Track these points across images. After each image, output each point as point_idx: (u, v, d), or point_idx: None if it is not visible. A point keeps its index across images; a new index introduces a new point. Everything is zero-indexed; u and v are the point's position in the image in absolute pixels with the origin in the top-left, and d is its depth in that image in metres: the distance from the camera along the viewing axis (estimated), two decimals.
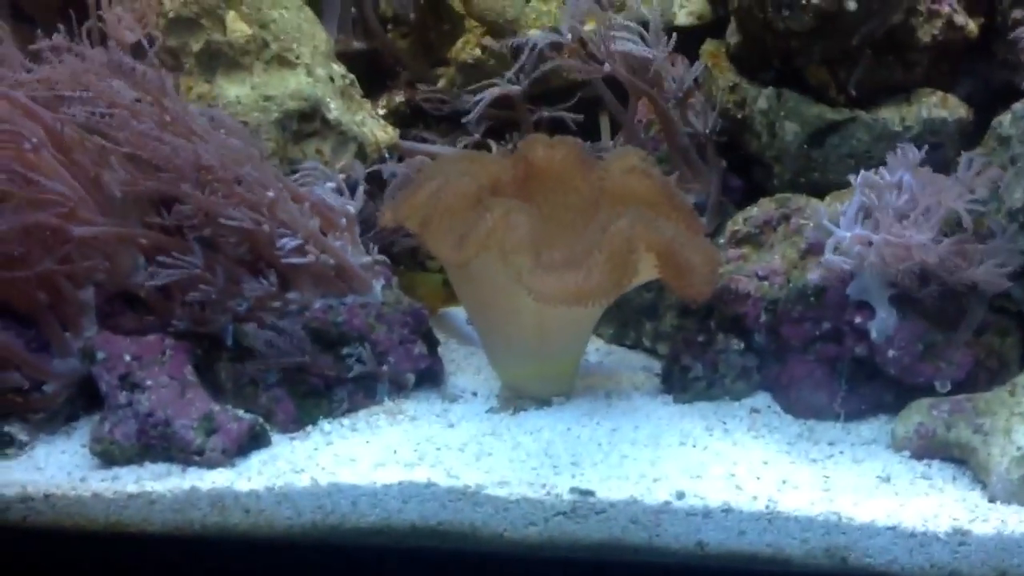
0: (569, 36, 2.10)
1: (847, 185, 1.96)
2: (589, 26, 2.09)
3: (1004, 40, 2.02)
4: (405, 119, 2.39)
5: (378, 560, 1.72)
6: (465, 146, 2.25)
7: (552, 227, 1.84)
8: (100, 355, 1.83)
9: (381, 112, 2.33)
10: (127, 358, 1.82)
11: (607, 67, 2.09)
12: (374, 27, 2.38)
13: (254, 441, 1.80)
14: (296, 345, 1.86)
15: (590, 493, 1.62)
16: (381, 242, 2.02)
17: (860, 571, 1.55)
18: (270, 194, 1.82)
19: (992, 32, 2.06)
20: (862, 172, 1.83)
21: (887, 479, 1.67)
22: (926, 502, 1.60)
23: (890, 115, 2.01)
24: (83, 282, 1.89)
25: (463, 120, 2.29)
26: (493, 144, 2.28)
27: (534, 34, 2.13)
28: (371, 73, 2.39)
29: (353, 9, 2.37)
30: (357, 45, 2.34)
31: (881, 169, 1.83)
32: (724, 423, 1.87)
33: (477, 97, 2.19)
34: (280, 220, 1.84)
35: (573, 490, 1.62)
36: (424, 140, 2.37)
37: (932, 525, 1.53)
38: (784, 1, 1.94)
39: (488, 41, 2.31)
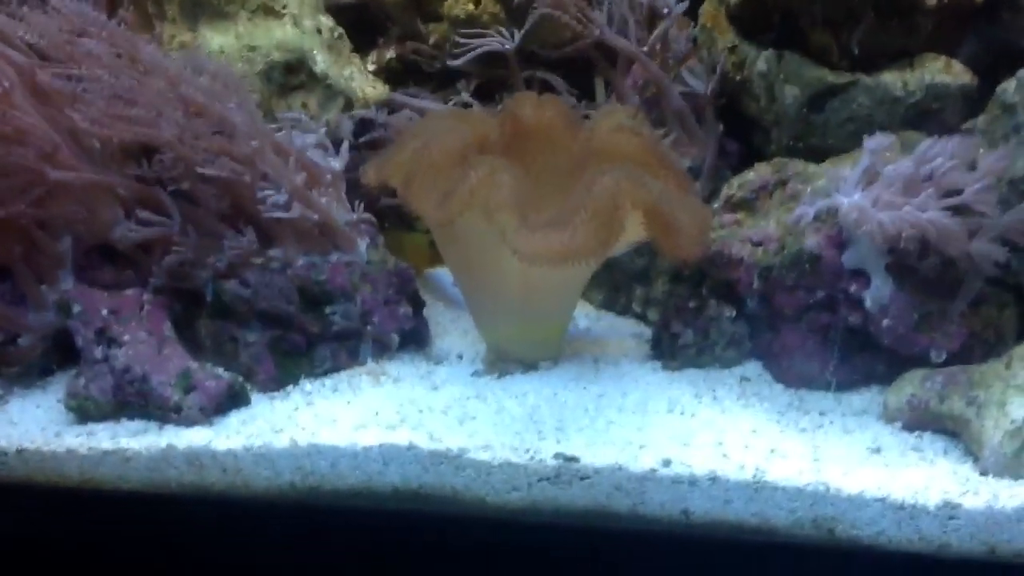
0: None
1: (846, 150, 1.94)
2: None
3: (1011, 3, 1.99)
4: (395, 76, 2.36)
5: (358, 522, 1.71)
6: (455, 104, 2.23)
7: (540, 187, 1.82)
8: (76, 308, 1.81)
9: (371, 68, 2.30)
10: (104, 312, 1.81)
11: (596, 31, 2.07)
12: None
13: (233, 400, 1.79)
14: (282, 294, 1.85)
15: (574, 459, 1.60)
16: (367, 199, 2.00)
17: (847, 543, 1.54)
18: (253, 143, 1.79)
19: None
20: (874, 136, 1.80)
21: (877, 450, 1.66)
22: (916, 474, 1.59)
23: (892, 79, 1.98)
24: (60, 233, 1.87)
25: (450, 62, 2.26)
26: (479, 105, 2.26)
27: None
28: (361, 28, 2.37)
29: None
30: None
31: (883, 136, 1.81)
32: (713, 391, 1.85)
33: (468, 48, 2.16)
34: (263, 172, 1.82)
35: (557, 455, 1.61)
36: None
37: (922, 498, 1.52)
38: None
39: None
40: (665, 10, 2.05)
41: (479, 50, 2.14)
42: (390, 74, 2.34)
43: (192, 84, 1.75)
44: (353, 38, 2.25)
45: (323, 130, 1.92)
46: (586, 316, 2.19)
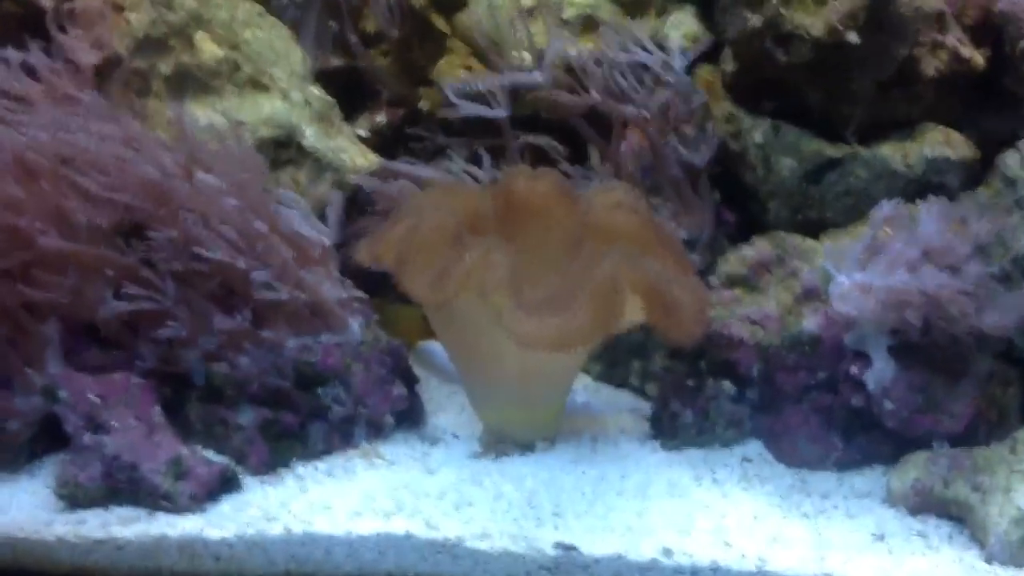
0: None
1: (844, 223, 1.99)
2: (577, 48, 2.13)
3: (1012, 71, 2.03)
4: (387, 140, 2.39)
5: None
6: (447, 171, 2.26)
7: (534, 263, 1.85)
8: (64, 394, 1.83)
9: (361, 133, 2.33)
10: (92, 398, 1.83)
11: (593, 97, 2.11)
12: (353, 45, 2.39)
13: (225, 486, 1.81)
14: (273, 377, 1.88)
15: (574, 548, 1.64)
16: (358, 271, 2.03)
17: None
18: (258, 225, 1.83)
19: (999, 62, 2.06)
20: (880, 206, 1.85)
21: (881, 537, 1.70)
22: (921, 562, 1.63)
23: (891, 152, 2.03)
24: (46, 316, 1.89)
25: (441, 140, 2.31)
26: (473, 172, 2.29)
27: (522, 56, 2.15)
28: (351, 91, 2.40)
29: (332, 23, 2.36)
30: (336, 62, 2.33)
31: (892, 205, 1.85)
32: (714, 472, 1.89)
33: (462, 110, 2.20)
34: (255, 253, 1.85)
35: (556, 544, 1.64)
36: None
37: None
38: (782, 33, 1.96)
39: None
40: (668, 79, 2.09)
41: (471, 112, 2.17)
42: (381, 139, 2.37)
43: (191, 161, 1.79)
44: (343, 102, 2.29)
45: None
46: (583, 388, 2.22)
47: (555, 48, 2.13)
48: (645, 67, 2.13)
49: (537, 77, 2.19)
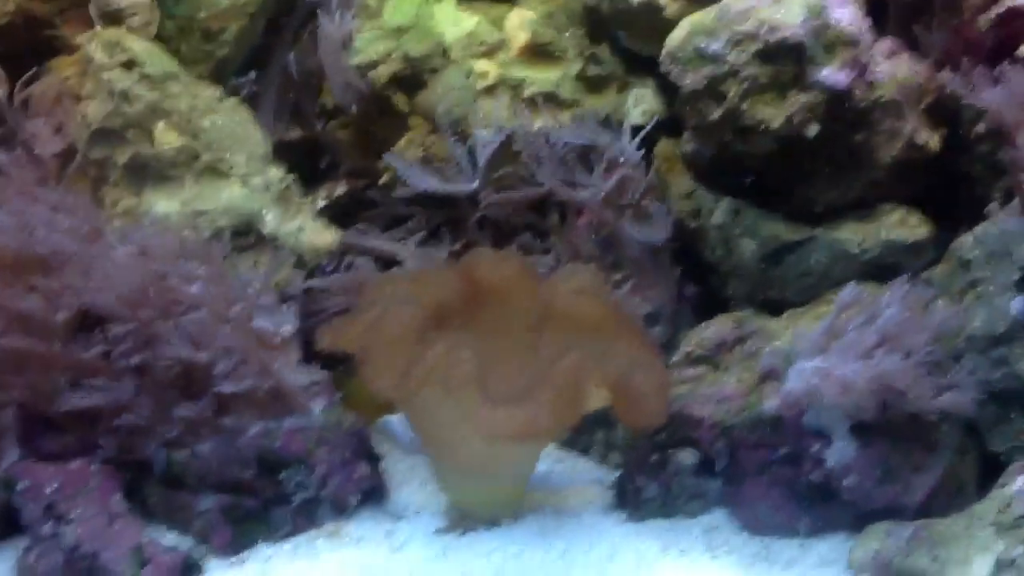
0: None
1: (804, 303, 2.03)
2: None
3: (967, 153, 2.08)
4: (347, 210, 2.40)
5: None
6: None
7: (499, 347, 1.87)
8: (22, 484, 1.83)
9: (322, 203, 2.34)
10: (51, 488, 1.82)
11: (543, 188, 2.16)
12: (311, 121, 2.42)
13: (188, 572, 1.80)
14: (234, 463, 1.88)
15: None
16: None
17: None
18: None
19: (955, 144, 2.11)
20: (844, 291, 1.89)
21: None
22: None
23: (848, 235, 2.08)
24: (2, 406, 1.88)
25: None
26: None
27: (482, 133, 2.18)
28: (310, 162, 2.43)
29: (291, 95, 2.40)
30: (294, 134, 2.34)
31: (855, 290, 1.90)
32: (680, 544, 1.90)
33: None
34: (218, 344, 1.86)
35: None
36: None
37: None
38: (742, 126, 2.02)
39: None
40: (620, 158, 2.12)
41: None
42: (341, 209, 2.39)
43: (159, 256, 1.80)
44: (302, 173, 2.31)
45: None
46: (546, 457, 2.18)
47: (488, 152, 2.19)
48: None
49: (472, 186, 2.25)
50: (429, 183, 2.26)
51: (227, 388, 1.84)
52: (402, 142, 2.38)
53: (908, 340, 1.77)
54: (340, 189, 2.39)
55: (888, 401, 1.78)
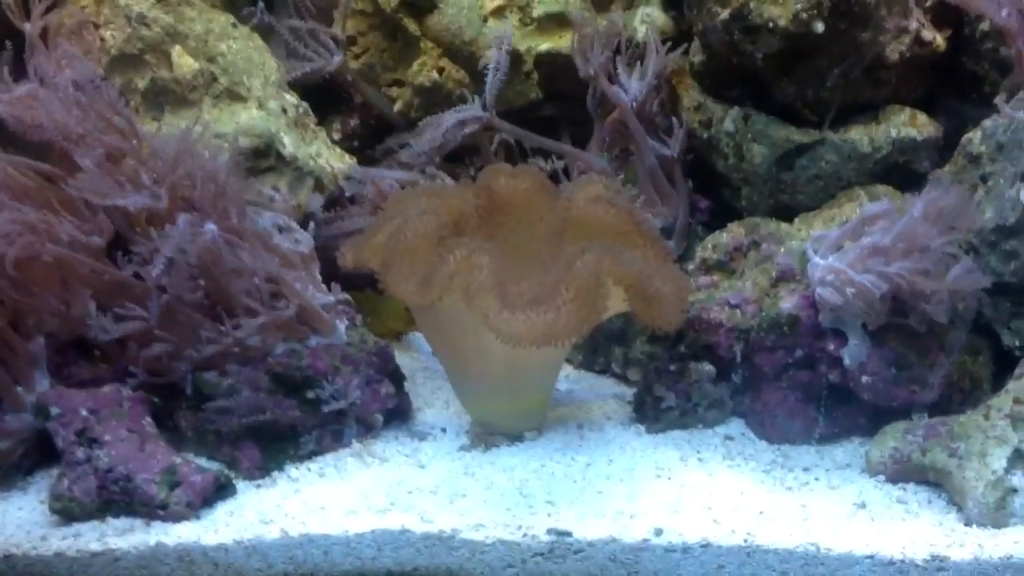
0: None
1: (816, 206, 2.08)
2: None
3: (972, 52, 2.14)
4: (362, 141, 2.46)
5: None
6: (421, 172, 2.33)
7: (518, 259, 1.93)
8: (55, 411, 1.89)
9: (336, 137, 2.39)
10: (83, 412, 1.88)
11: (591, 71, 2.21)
12: (324, 49, 2.45)
13: (219, 492, 1.87)
14: (258, 402, 1.94)
15: (567, 533, 1.71)
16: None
17: None
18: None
19: (960, 43, 2.16)
20: (873, 204, 1.92)
21: (863, 505, 1.79)
22: (903, 528, 1.72)
23: (859, 136, 2.13)
24: (32, 333, 1.94)
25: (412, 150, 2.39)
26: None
27: (491, 55, 2.22)
28: (324, 95, 2.47)
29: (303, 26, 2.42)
30: (306, 68, 2.39)
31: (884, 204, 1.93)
32: (698, 452, 1.97)
33: (439, 123, 2.27)
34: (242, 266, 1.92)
35: (550, 531, 1.71)
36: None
37: (910, 552, 1.65)
38: (750, 24, 2.04)
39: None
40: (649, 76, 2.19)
41: (449, 125, 2.25)
42: (356, 140, 2.44)
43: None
44: (316, 106, 2.35)
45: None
46: (566, 377, 2.30)
47: (495, 84, 2.24)
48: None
49: (478, 111, 2.30)
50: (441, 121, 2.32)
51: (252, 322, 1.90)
52: (414, 66, 2.44)
53: (921, 242, 1.81)
54: (354, 121, 2.45)
55: (900, 299, 1.84)
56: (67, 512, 1.84)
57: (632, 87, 2.22)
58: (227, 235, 1.90)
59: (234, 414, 1.92)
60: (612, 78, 2.25)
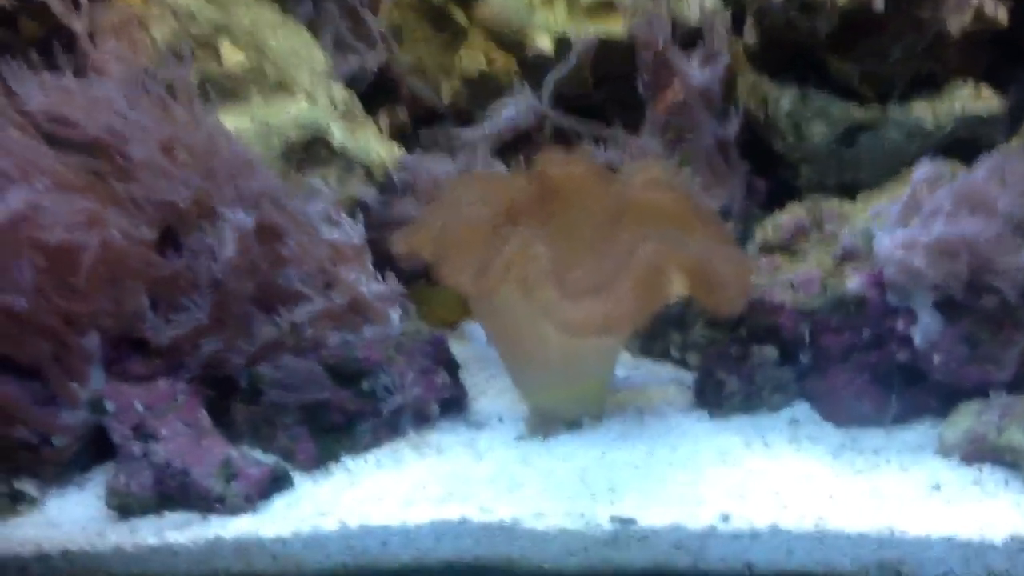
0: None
1: (878, 184, 2.02)
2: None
3: None
4: (411, 133, 2.44)
5: None
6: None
7: (574, 246, 1.89)
8: (111, 406, 1.88)
9: (385, 128, 2.37)
10: (139, 408, 1.88)
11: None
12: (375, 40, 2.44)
13: (276, 484, 1.85)
14: (315, 380, 1.92)
15: (631, 521, 1.67)
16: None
17: None
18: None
19: (1022, 17, 2.09)
20: (919, 165, 1.88)
21: (937, 487, 1.73)
22: (980, 509, 1.66)
23: (922, 112, 2.08)
24: (87, 329, 1.94)
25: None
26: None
27: (541, 41, 2.20)
28: (372, 87, 2.45)
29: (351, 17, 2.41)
30: (354, 59, 2.38)
31: (930, 165, 1.89)
32: (763, 437, 1.93)
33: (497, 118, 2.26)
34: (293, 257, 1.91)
35: (613, 518, 1.68)
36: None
37: (988, 533, 1.59)
38: (808, 2, 2.00)
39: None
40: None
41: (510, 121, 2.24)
42: (404, 132, 2.42)
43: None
44: (363, 98, 2.34)
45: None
46: (623, 364, 2.26)
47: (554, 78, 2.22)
48: None
49: (532, 101, 2.30)
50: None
51: (304, 315, 1.89)
52: (462, 56, 2.41)
53: (986, 206, 1.76)
54: (402, 112, 2.44)
55: (974, 272, 1.78)
56: (124, 507, 1.83)
57: (695, 68, 2.19)
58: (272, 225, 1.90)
59: (292, 393, 1.90)
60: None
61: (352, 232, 2.02)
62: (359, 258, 1.99)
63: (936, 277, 1.79)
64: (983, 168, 1.80)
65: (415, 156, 2.31)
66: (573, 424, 1.97)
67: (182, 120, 1.84)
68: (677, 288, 1.80)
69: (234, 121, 2.11)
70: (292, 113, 2.14)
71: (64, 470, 1.96)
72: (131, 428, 1.86)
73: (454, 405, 2.06)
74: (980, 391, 1.85)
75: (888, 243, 1.83)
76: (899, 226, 1.84)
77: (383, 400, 1.95)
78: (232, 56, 2.11)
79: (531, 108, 2.25)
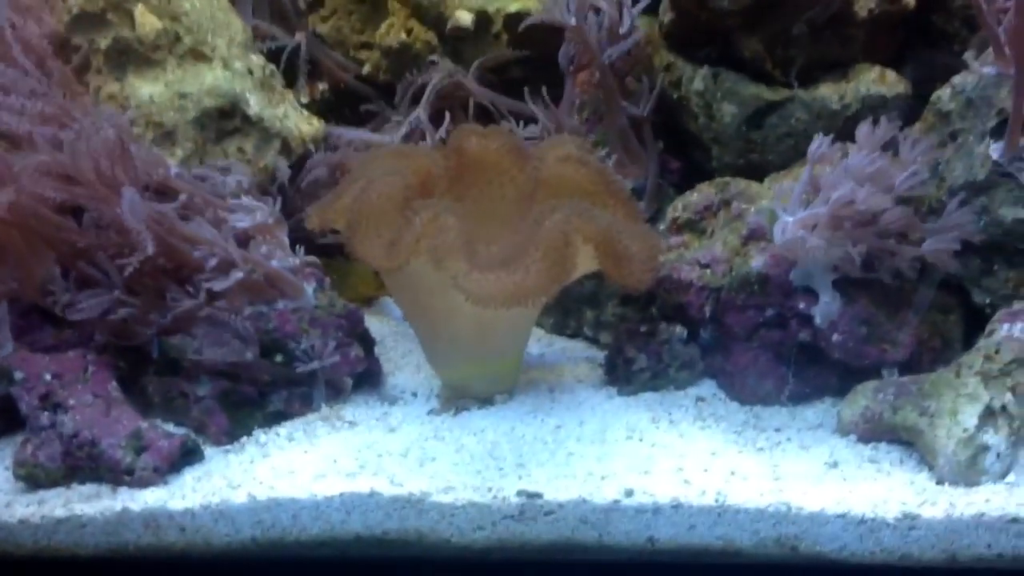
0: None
1: (786, 166, 2.04)
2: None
3: (941, 9, 2.10)
4: (330, 106, 2.41)
5: (323, 571, 1.77)
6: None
7: (488, 220, 1.88)
8: (18, 375, 1.84)
9: (304, 101, 2.34)
10: (47, 377, 1.84)
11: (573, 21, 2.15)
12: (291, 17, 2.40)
13: (187, 457, 1.83)
14: (238, 340, 1.89)
15: (538, 495, 1.67)
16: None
17: (811, 559, 1.64)
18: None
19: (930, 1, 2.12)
20: (815, 143, 1.88)
21: (835, 464, 1.75)
22: (874, 487, 1.69)
23: (828, 93, 2.09)
24: None
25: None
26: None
27: (461, 16, 2.18)
28: (291, 59, 2.41)
29: None
30: (275, 32, 2.34)
31: (824, 142, 1.90)
32: (670, 414, 1.94)
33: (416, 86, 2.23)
34: (198, 239, 1.87)
35: (520, 492, 1.68)
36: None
37: (881, 510, 1.62)
38: None
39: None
40: (622, 30, 2.14)
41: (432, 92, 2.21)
42: (324, 105, 2.39)
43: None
44: (283, 71, 2.29)
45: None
46: (538, 341, 2.27)
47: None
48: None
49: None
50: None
51: (215, 286, 1.85)
52: (382, 28, 2.38)
53: (883, 180, 1.78)
54: (322, 84, 2.40)
55: (871, 254, 1.81)
56: (32, 478, 1.79)
57: (605, 45, 2.17)
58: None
59: (202, 364, 1.87)
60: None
61: (264, 205, 1.98)
62: (273, 231, 1.95)
63: (833, 256, 1.80)
64: (862, 141, 1.82)
65: (336, 128, 2.27)
66: (485, 400, 1.97)
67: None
68: (586, 261, 1.80)
69: (148, 88, 2.07)
70: (208, 80, 2.09)
71: None
72: (39, 398, 1.83)
73: (368, 379, 2.05)
74: (877, 370, 1.88)
75: (790, 223, 1.84)
76: (801, 206, 1.85)
77: (296, 372, 1.93)
78: (146, 20, 2.05)
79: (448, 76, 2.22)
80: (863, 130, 1.84)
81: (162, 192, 1.90)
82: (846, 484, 1.70)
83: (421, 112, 2.26)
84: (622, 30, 2.14)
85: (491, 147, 1.94)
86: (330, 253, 2.08)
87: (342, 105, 2.43)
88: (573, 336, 2.27)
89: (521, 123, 2.27)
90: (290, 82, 2.33)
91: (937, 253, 1.82)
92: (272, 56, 2.33)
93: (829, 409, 1.93)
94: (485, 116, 2.31)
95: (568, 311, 2.25)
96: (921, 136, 1.87)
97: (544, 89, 2.24)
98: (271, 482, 1.75)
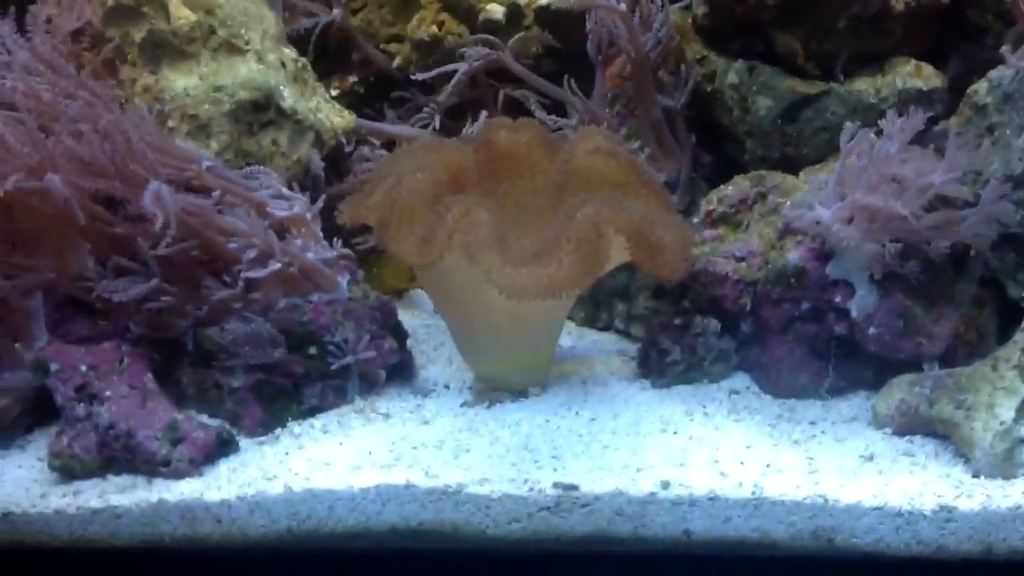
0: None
1: (821, 160, 2.04)
2: None
3: (976, 3, 2.09)
4: (360, 99, 2.41)
5: (358, 563, 1.77)
6: (424, 126, 2.28)
7: (520, 213, 1.89)
8: (54, 367, 1.84)
9: (334, 94, 2.34)
10: (83, 368, 1.84)
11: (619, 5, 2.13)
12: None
13: (222, 448, 1.82)
14: (266, 341, 1.89)
15: (574, 487, 1.67)
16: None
17: (847, 551, 1.63)
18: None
19: None
20: (848, 132, 1.87)
21: (870, 457, 1.75)
22: (910, 480, 1.68)
23: (864, 86, 2.09)
24: (30, 288, 1.89)
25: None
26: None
27: (493, 8, 2.18)
28: (322, 52, 2.42)
29: None
30: (312, 8, 2.33)
31: (855, 131, 1.89)
32: (704, 407, 1.93)
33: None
34: (234, 231, 1.87)
35: (556, 484, 1.67)
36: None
37: (918, 503, 1.62)
38: None
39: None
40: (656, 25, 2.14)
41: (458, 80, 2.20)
42: (354, 98, 2.39)
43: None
44: (313, 63, 2.28)
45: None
46: (569, 334, 2.25)
47: None
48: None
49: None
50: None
51: (251, 274, 1.85)
52: (413, 21, 2.38)
53: (920, 177, 1.78)
54: (352, 77, 2.40)
55: (907, 246, 1.81)
56: (67, 469, 1.79)
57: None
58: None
59: (242, 356, 1.87)
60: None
61: (301, 198, 1.98)
62: (308, 224, 1.95)
63: (870, 249, 1.80)
64: (892, 131, 1.81)
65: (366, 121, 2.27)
66: (518, 393, 1.97)
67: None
68: (619, 252, 1.80)
69: (182, 81, 2.06)
70: (242, 73, 2.08)
71: (7, 431, 1.92)
72: (74, 389, 1.83)
73: (401, 372, 2.04)
74: (913, 364, 1.88)
75: (826, 216, 1.84)
76: (836, 199, 1.85)
77: (330, 364, 1.92)
78: (181, 13, 2.04)
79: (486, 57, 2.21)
80: (892, 122, 1.83)
81: (195, 190, 1.90)
82: (882, 477, 1.69)
83: (444, 96, 2.25)
84: (655, 23, 2.14)
85: (521, 140, 1.94)
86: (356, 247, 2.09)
87: (372, 98, 2.43)
88: (604, 329, 2.27)
89: (553, 115, 2.27)
90: (320, 73, 2.32)
91: (976, 237, 1.81)
92: (304, 37, 2.32)
93: (864, 402, 1.92)
94: (515, 109, 2.31)
95: (599, 304, 2.25)
96: (962, 131, 1.86)
97: (574, 82, 2.23)
98: (307, 473, 1.75)
